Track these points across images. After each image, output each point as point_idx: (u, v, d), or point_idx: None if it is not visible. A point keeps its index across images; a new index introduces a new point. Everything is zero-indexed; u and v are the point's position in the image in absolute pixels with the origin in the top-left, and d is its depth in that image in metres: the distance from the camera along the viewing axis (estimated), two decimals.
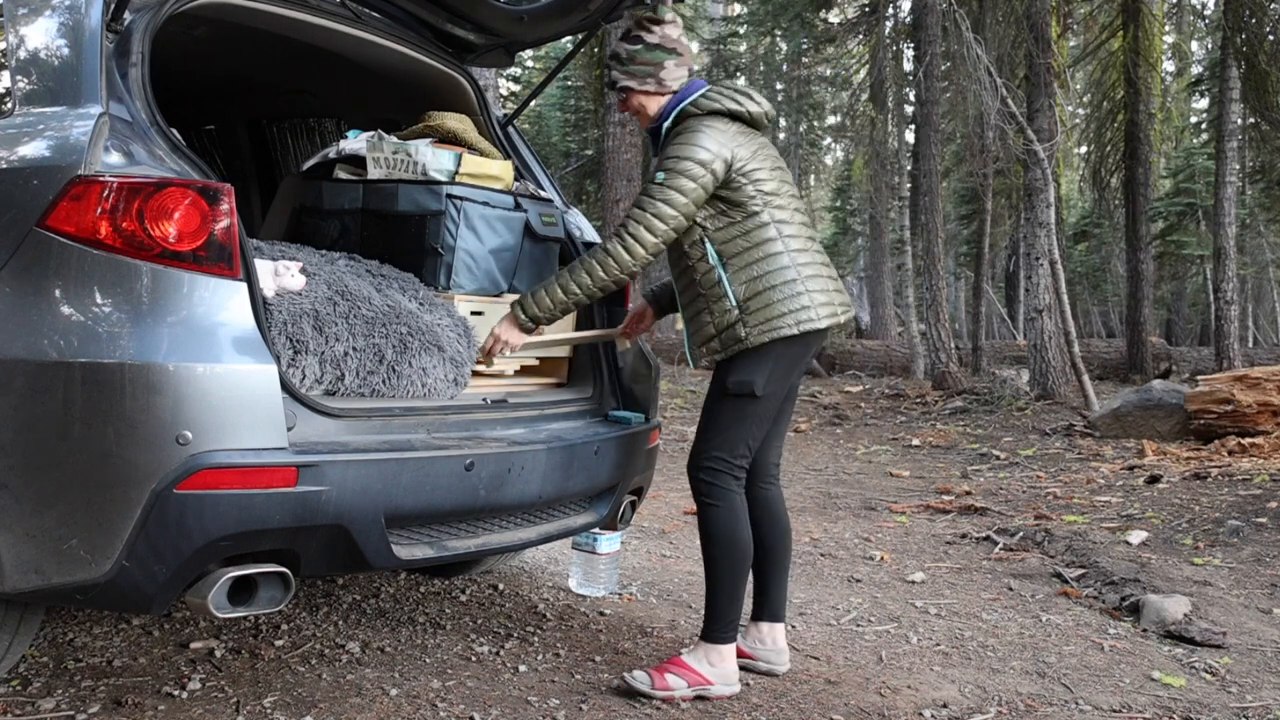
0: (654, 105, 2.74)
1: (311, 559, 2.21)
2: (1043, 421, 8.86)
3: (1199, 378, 8.10)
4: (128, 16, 2.34)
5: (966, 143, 15.05)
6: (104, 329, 2.01)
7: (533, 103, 3.24)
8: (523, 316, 2.66)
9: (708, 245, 2.64)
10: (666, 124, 2.70)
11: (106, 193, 2.05)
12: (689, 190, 2.57)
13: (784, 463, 6.97)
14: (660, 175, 2.58)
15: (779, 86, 21.86)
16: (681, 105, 2.69)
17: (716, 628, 2.66)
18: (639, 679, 2.60)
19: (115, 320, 2.02)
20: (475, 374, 2.82)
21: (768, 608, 2.84)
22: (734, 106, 2.67)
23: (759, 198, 2.64)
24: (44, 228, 2.06)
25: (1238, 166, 13.08)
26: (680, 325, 2.78)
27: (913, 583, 3.87)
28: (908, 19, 15.46)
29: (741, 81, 22.04)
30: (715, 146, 2.59)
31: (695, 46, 22.35)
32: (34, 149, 2.17)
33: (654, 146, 2.79)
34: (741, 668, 2.73)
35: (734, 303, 2.61)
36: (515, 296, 3.05)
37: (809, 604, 3.53)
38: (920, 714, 2.57)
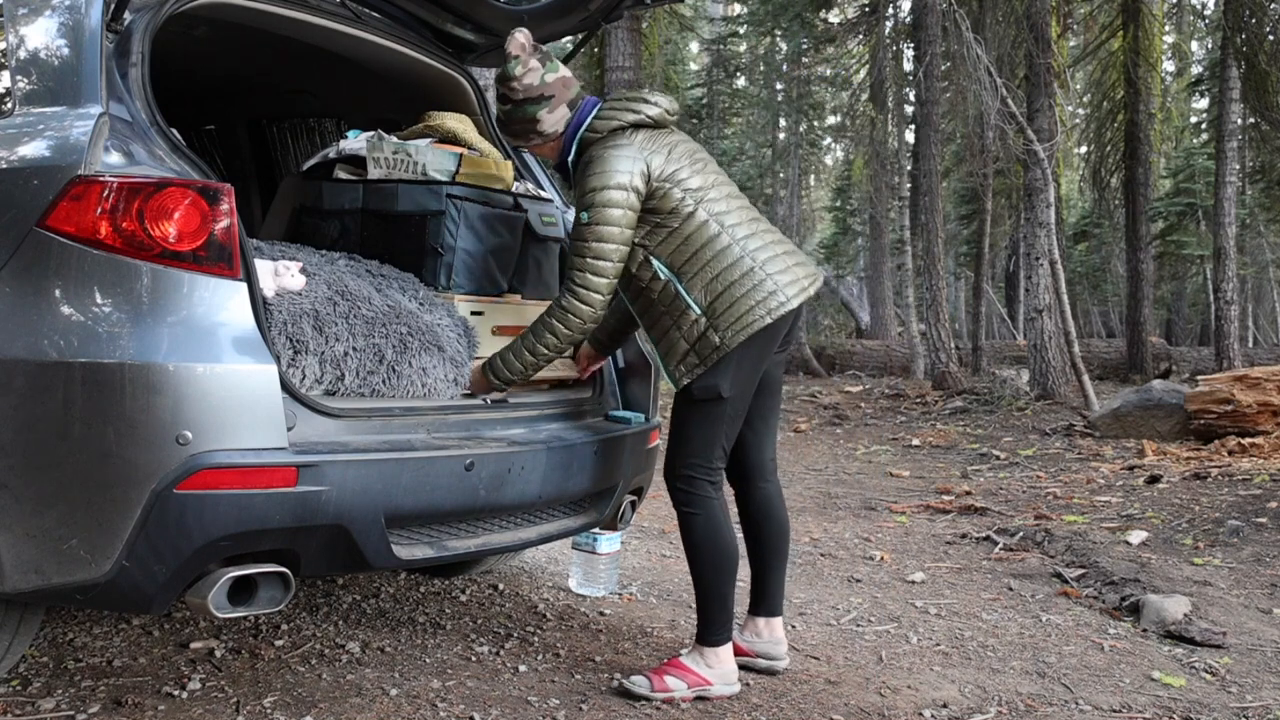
0: (550, 148, 2.68)
1: (311, 559, 2.21)
2: (1043, 421, 8.86)
3: (1199, 378, 8.10)
4: (128, 16, 2.34)
5: (966, 143, 15.05)
6: (104, 329, 2.01)
7: None
8: (495, 381, 2.65)
9: (655, 262, 2.58)
10: (570, 158, 2.65)
11: (106, 193, 2.05)
12: (617, 218, 2.51)
13: (784, 463, 6.93)
14: (585, 215, 2.52)
15: (779, 86, 21.84)
16: (579, 135, 2.61)
17: (710, 631, 2.65)
18: (638, 684, 2.59)
19: (115, 320, 2.02)
20: None
21: (765, 603, 2.84)
22: (632, 117, 2.59)
23: (688, 198, 2.57)
24: (44, 228, 2.06)
25: (1238, 166, 13.08)
26: (648, 347, 2.73)
27: (913, 583, 3.87)
28: (908, 19, 15.46)
29: (741, 82, 22.03)
30: (627, 164, 2.52)
31: (695, 47, 22.35)
32: (34, 149, 2.17)
33: (565, 181, 2.75)
34: (741, 666, 2.74)
35: (699, 311, 2.55)
36: (516, 296, 3.06)
37: (809, 604, 3.53)
38: (920, 714, 2.57)
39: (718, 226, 2.57)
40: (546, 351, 2.60)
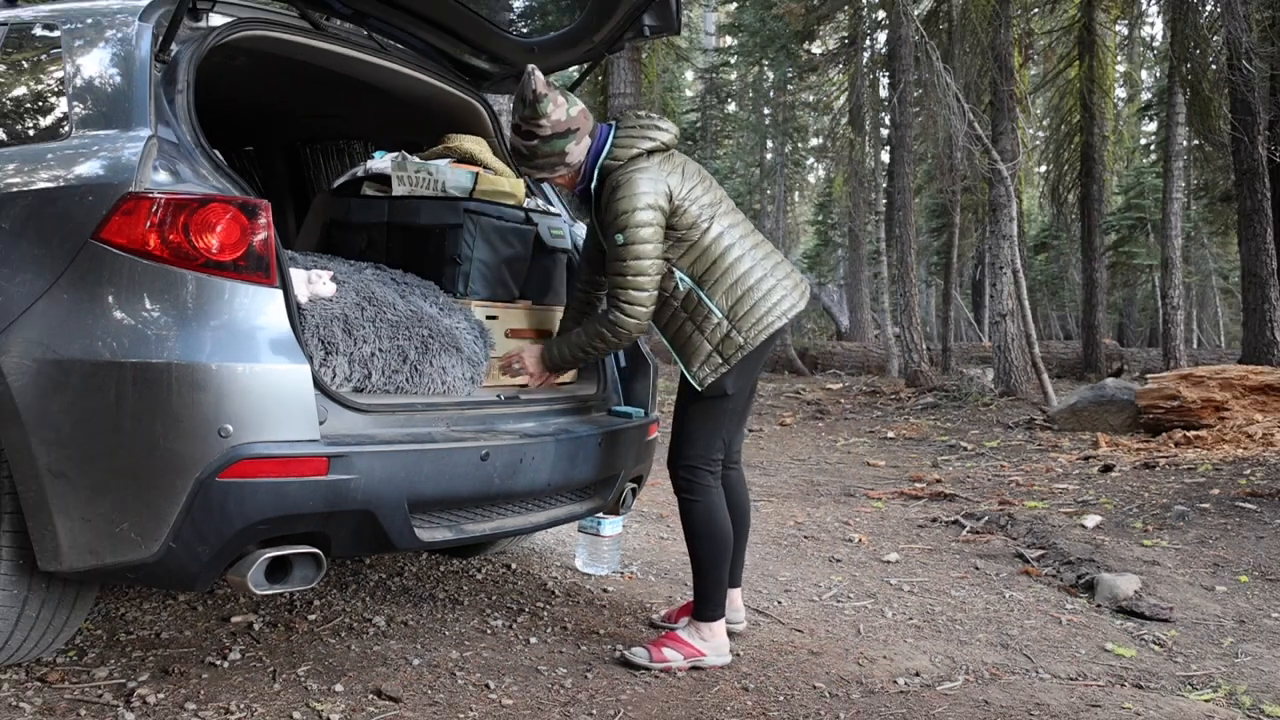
0: (570, 177, 2.63)
1: (341, 541, 2.21)
2: (1006, 416, 8.85)
3: (1148, 376, 8.10)
4: (174, 48, 2.34)
5: (937, 162, 15.05)
6: (152, 332, 2.01)
7: None
8: (549, 362, 2.69)
9: (677, 273, 2.57)
10: (593, 185, 2.60)
11: (155, 208, 2.05)
12: (650, 237, 2.49)
13: (770, 453, 6.92)
14: (620, 237, 2.48)
15: (766, 111, 21.83)
16: (599, 164, 2.56)
17: (706, 608, 2.65)
18: (638, 654, 2.59)
19: (163, 324, 2.02)
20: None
21: (729, 575, 2.84)
22: (648, 144, 2.56)
23: (704, 213, 2.57)
24: (98, 240, 2.06)
25: (1183, 184, 13.10)
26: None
27: (888, 562, 3.87)
28: (883, 50, 15.45)
29: (732, 107, 22.01)
30: (651, 186, 2.50)
31: (690, 75, 22.35)
32: (89, 168, 2.17)
33: (584, 204, 2.72)
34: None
35: (721, 315, 2.55)
36: (526, 302, 3.06)
37: (793, 582, 3.53)
38: (895, 681, 2.57)
39: (731, 238, 2.58)
40: (594, 352, 2.63)
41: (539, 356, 2.72)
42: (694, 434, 2.64)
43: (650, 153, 2.57)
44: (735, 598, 2.88)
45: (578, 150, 2.57)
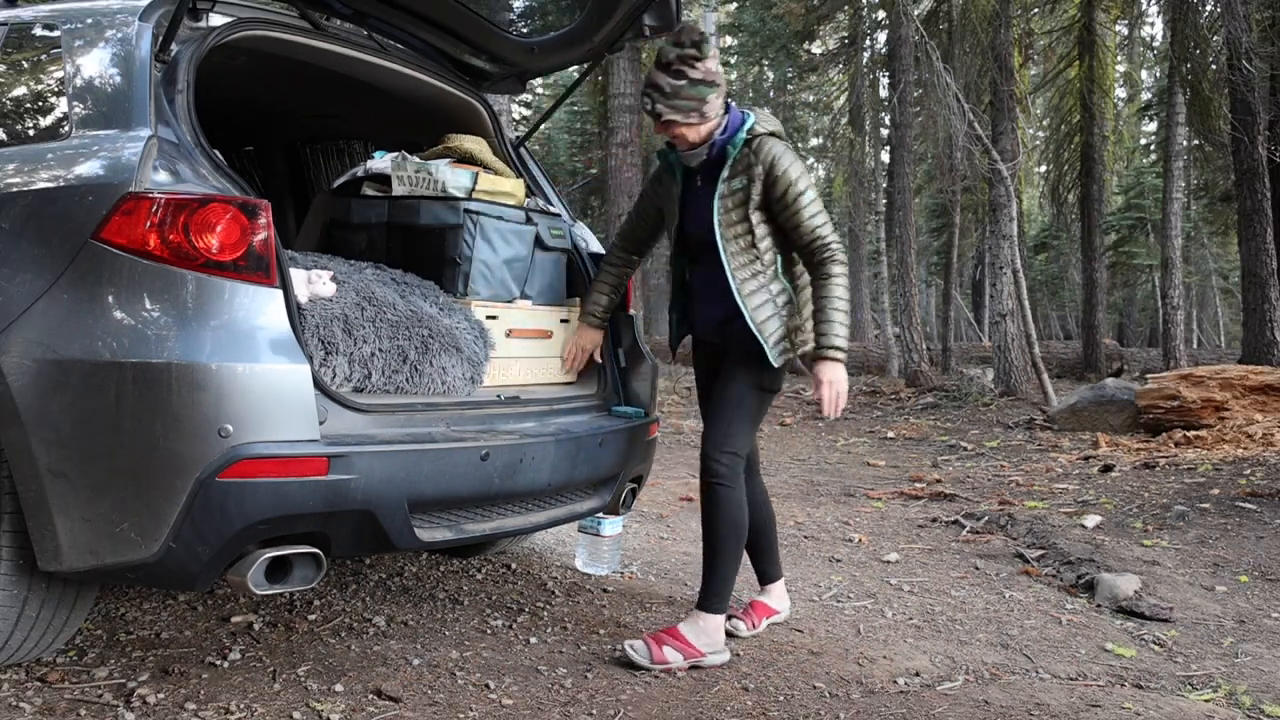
0: (695, 133, 2.62)
1: (341, 541, 2.21)
2: (1006, 416, 8.85)
3: (1148, 376, 8.09)
4: (174, 48, 2.34)
5: (937, 162, 15.05)
6: (152, 332, 2.01)
7: (542, 126, 3.22)
8: (842, 355, 2.63)
9: (779, 258, 2.69)
10: (734, 147, 2.62)
11: (155, 208, 2.05)
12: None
13: (770, 454, 6.92)
14: (811, 192, 2.61)
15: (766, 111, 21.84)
16: (746, 127, 2.64)
17: (714, 600, 2.66)
18: (638, 651, 2.59)
19: (163, 324, 2.02)
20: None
21: (774, 569, 3.01)
22: (775, 128, 2.69)
23: None
24: (98, 240, 2.06)
25: (1183, 184, 13.11)
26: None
27: (888, 562, 3.87)
28: (883, 50, 15.46)
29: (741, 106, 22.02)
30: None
31: None
32: (89, 168, 2.17)
33: (710, 164, 2.68)
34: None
35: (797, 306, 2.70)
36: (526, 302, 3.06)
37: (794, 581, 3.53)
38: (895, 681, 2.57)
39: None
40: (848, 303, 2.65)
41: (834, 367, 2.64)
42: (742, 425, 2.68)
43: (775, 135, 2.69)
44: (780, 589, 3.02)
45: (715, 104, 2.61)
